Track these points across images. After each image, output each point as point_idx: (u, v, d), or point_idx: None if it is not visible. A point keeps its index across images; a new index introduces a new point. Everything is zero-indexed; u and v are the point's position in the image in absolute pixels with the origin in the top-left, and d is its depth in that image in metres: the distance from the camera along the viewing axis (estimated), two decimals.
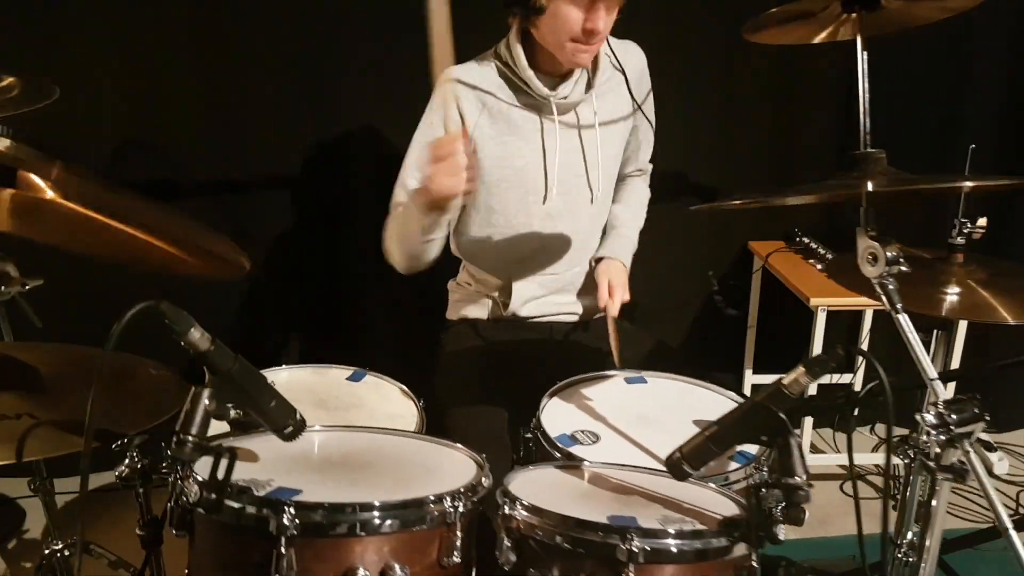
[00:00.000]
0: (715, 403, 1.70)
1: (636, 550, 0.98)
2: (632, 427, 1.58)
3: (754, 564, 1.04)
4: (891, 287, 1.17)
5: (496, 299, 1.97)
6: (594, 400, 1.70)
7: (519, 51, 1.75)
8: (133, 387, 1.47)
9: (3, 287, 0.97)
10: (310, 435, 1.33)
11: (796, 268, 2.65)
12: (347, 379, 1.84)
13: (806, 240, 2.76)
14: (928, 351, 1.65)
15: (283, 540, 0.98)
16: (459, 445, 1.35)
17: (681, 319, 3.00)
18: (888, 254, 1.16)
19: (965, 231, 1.58)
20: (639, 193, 2.08)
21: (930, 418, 1.09)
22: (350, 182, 2.67)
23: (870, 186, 1.17)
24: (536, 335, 1.97)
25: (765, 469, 1.39)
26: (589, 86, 1.82)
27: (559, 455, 1.46)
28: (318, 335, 2.85)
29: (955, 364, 2.52)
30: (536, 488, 1.18)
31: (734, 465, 1.43)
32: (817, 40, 1.35)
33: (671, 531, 1.02)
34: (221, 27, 2.48)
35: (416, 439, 1.43)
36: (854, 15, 1.23)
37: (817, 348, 2.50)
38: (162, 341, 0.97)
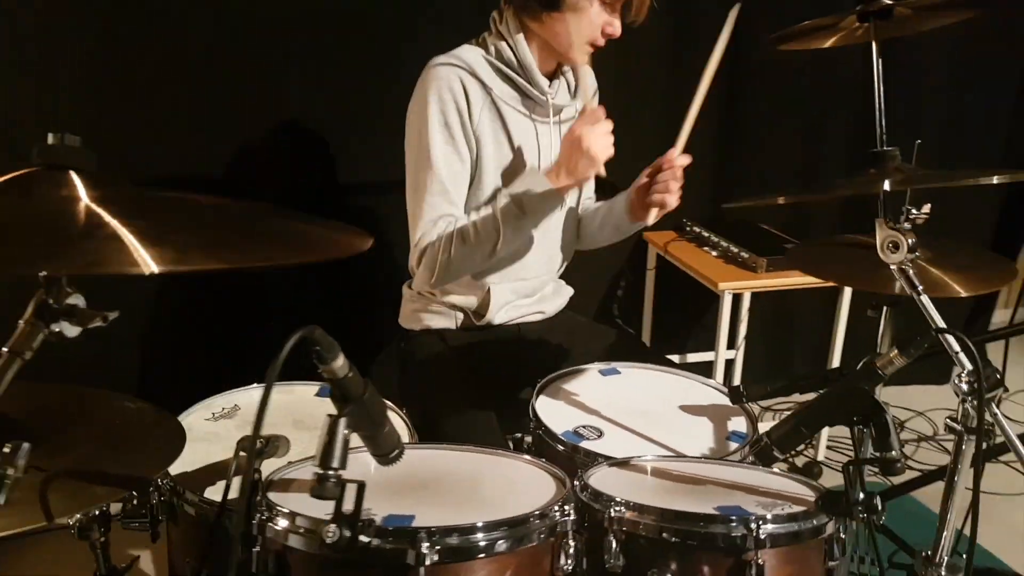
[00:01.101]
0: (690, 388, 1.78)
1: (764, 536, 1.02)
2: (626, 418, 1.62)
3: (842, 536, 1.11)
4: (911, 272, 1.28)
5: (468, 310, 1.92)
6: (579, 395, 1.72)
7: (526, 49, 1.73)
8: (123, 427, 1.32)
9: (76, 325, 0.84)
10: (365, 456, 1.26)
11: (695, 256, 2.80)
12: (316, 395, 1.75)
13: (697, 229, 2.92)
14: (879, 326, 1.82)
15: (422, 570, 0.93)
16: (521, 455, 1.33)
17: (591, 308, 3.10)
18: (909, 241, 1.26)
19: (911, 216, 1.73)
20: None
21: (963, 386, 1.20)
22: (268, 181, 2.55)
23: (887, 185, 1.27)
24: (506, 337, 1.95)
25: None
26: (575, 92, 1.84)
27: (565, 451, 1.48)
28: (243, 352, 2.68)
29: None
30: (617, 487, 1.18)
31: (733, 445, 1.51)
32: (830, 44, 1.46)
33: (785, 513, 1.06)
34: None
35: (469, 452, 1.39)
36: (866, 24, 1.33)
37: (724, 328, 2.66)
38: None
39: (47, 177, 0.85)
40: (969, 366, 1.22)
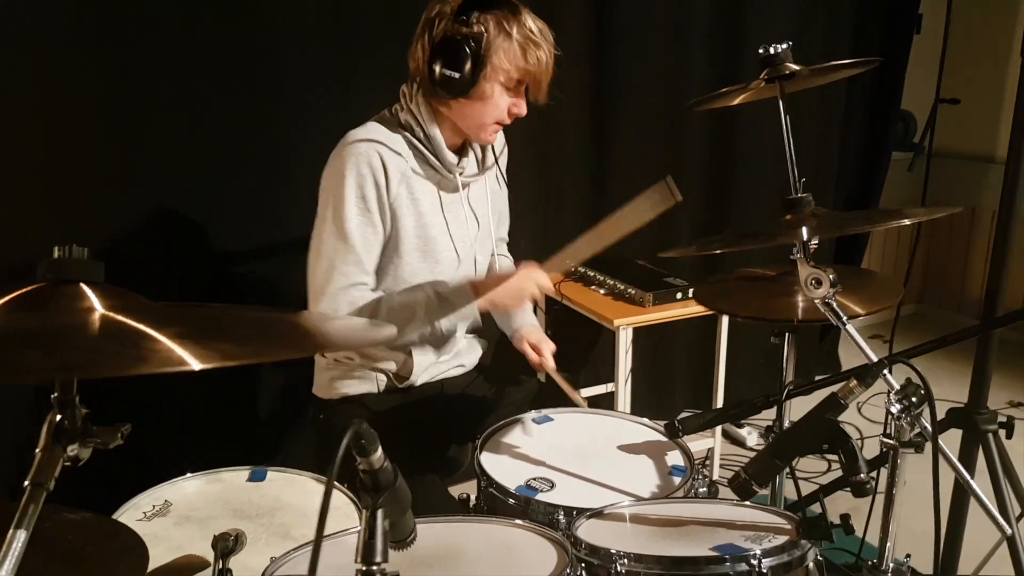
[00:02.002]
0: (622, 427, 1.85)
1: (766, 571, 1.08)
2: (571, 465, 1.66)
3: (820, 558, 1.19)
4: (835, 305, 1.40)
5: (389, 373, 1.91)
6: (520, 446, 1.75)
7: (436, 130, 1.77)
8: (77, 543, 1.22)
9: (96, 446, 0.79)
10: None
11: (584, 295, 2.90)
12: (248, 480, 1.68)
13: (582, 270, 3.02)
14: (783, 352, 1.96)
15: None
16: (512, 519, 1.34)
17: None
18: (831, 277, 1.38)
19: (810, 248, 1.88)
20: (508, 264, 2.16)
21: (896, 407, 1.32)
22: None
23: (805, 234, 1.39)
24: (430, 395, 1.95)
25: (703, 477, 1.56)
26: (482, 164, 1.89)
27: (518, 505, 1.50)
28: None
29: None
30: (606, 539, 1.21)
31: (676, 479, 1.59)
32: (738, 102, 1.58)
33: (778, 545, 1.13)
34: None
35: (455, 523, 1.38)
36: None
37: (622, 362, 2.76)
38: None
39: (56, 292, 0.80)
40: (896, 386, 1.34)
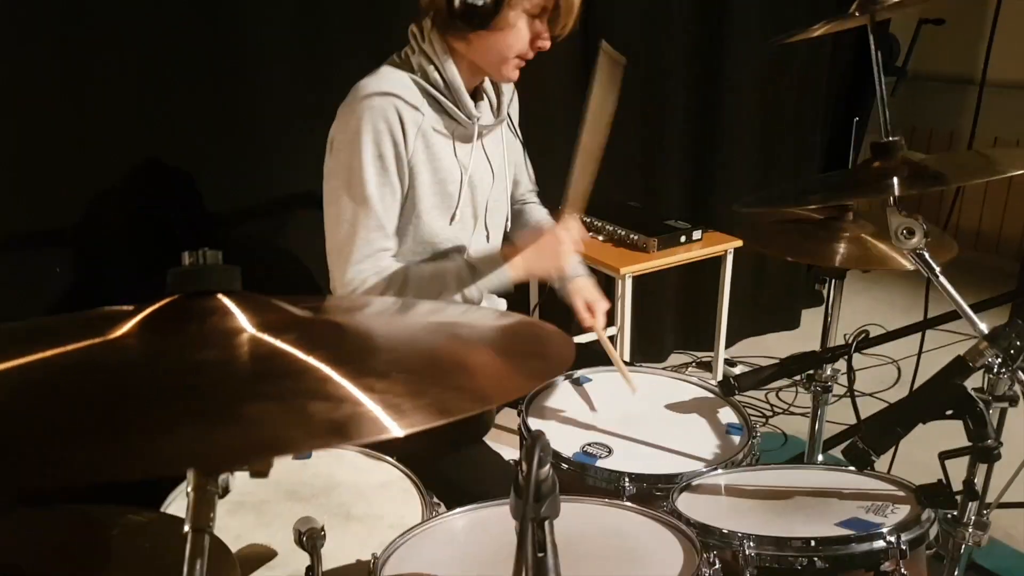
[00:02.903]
0: (667, 386, 1.79)
1: (904, 547, 1.04)
2: (623, 427, 1.60)
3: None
4: (927, 255, 1.34)
5: None
6: (565, 410, 1.68)
7: (455, 71, 1.63)
8: (159, 551, 1.13)
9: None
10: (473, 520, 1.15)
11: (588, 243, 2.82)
12: (294, 459, 1.59)
13: (585, 219, 2.93)
14: (828, 298, 1.92)
15: None
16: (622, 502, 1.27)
17: None
18: (924, 227, 1.32)
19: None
20: (543, 213, 2.06)
21: (996, 361, 1.27)
22: None
23: (896, 185, 1.32)
24: None
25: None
26: (497, 111, 1.78)
27: (573, 471, 1.44)
28: None
29: None
30: (709, 516, 1.16)
31: (735, 438, 1.54)
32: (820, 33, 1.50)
33: (904, 519, 1.09)
34: None
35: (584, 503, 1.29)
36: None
37: (628, 310, 2.71)
38: None
39: (189, 308, 0.68)
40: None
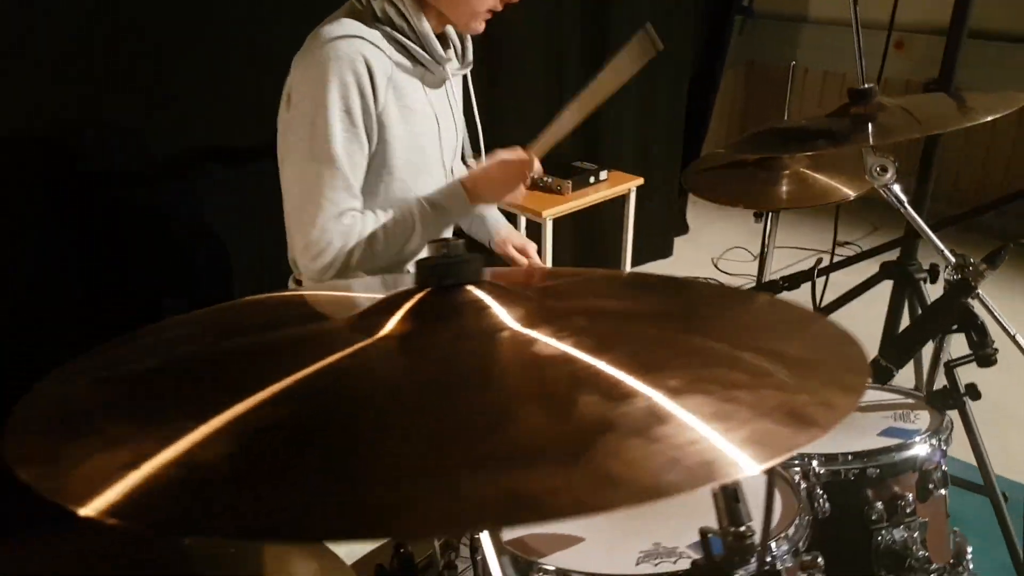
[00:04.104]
0: None
1: (944, 448, 1.19)
2: None
3: None
4: (897, 189, 1.50)
5: None
6: None
7: (424, 22, 1.57)
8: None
9: None
10: None
11: None
12: None
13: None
14: (765, 231, 2.08)
15: None
16: None
17: None
18: (896, 164, 1.47)
19: None
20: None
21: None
22: None
23: (871, 133, 1.45)
24: None
25: None
26: (462, 58, 1.74)
27: None
28: None
29: None
30: None
31: None
32: None
33: (932, 426, 1.24)
34: None
35: None
36: None
37: (550, 253, 2.79)
38: None
39: (444, 304, 0.68)
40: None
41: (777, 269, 3.73)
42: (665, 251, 4.01)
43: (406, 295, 0.68)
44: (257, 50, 2.06)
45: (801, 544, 1.00)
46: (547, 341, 0.63)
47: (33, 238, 1.83)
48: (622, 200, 3.05)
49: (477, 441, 0.51)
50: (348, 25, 1.52)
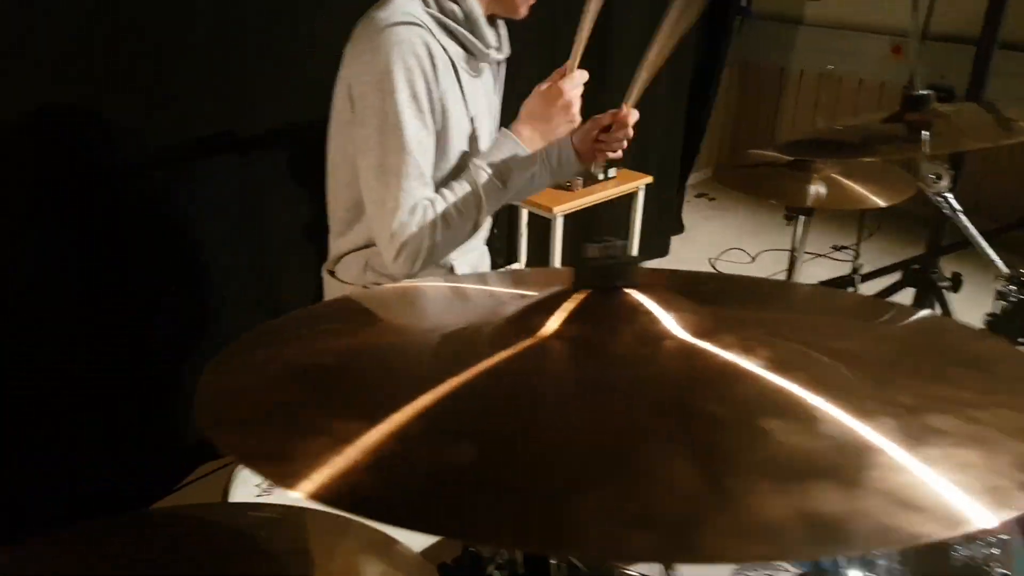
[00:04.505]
0: None
1: None
2: None
3: None
4: (951, 197, 1.50)
5: None
6: None
7: (476, 4, 1.55)
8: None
9: None
10: None
11: None
12: None
13: None
14: (796, 232, 2.07)
15: None
16: None
17: None
18: (951, 172, 1.47)
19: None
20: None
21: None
22: None
23: (927, 140, 1.44)
24: None
25: None
26: (501, 45, 1.70)
27: None
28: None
29: None
30: None
31: None
32: None
33: None
34: None
35: None
36: None
37: (558, 248, 2.78)
38: None
39: (600, 309, 0.65)
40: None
41: (774, 272, 3.78)
42: (662, 250, 4.00)
43: (562, 295, 0.65)
44: (257, 50, 2.02)
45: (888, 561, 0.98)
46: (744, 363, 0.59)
47: (33, 238, 1.79)
48: (626, 199, 3.04)
49: (739, 453, 0.47)
50: (403, 10, 1.49)
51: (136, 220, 1.94)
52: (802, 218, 2.01)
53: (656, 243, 3.98)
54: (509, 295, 0.80)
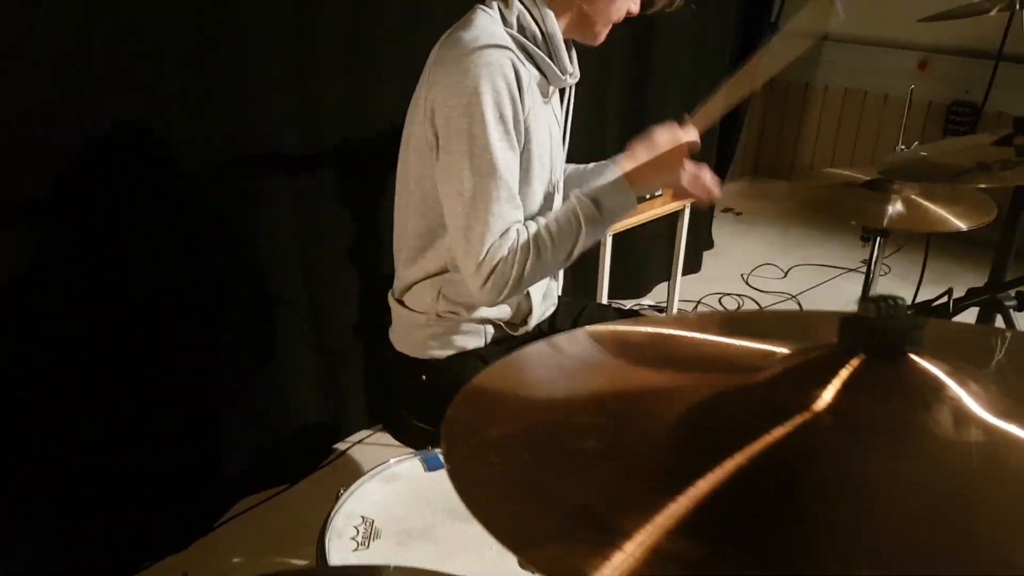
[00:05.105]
0: None
1: None
2: None
3: None
4: None
5: (501, 322, 1.69)
6: None
7: (555, 23, 1.51)
8: None
9: None
10: None
11: None
12: (428, 471, 1.46)
13: None
14: (872, 255, 2.01)
15: None
16: None
17: None
18: None
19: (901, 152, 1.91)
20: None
21: None
22: None
23: None
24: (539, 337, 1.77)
25: None
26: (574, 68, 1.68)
27: None
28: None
29: None
30: None
31: None
32: None
33: None
34: None
35: None
36: None
37: (607, 267, 2.72)
38: None
39: (879, 378, 0.57)
40: None
41: (807, 288, 3.72)
42: (694, 266, 3.94)
43: (833, 359, 0.58)
44: (257, 50, 1.96)
45: None
46: None
47: (33, 238, 1.73)
48: (666, 217, 2.97)
49: None
50: (489, 31, 1.47)
51: (136, 220, 1.88)
52: (879, 239, 1.95)
53: (688, 259, 3.91)
54: (744, 349, 0.72)
